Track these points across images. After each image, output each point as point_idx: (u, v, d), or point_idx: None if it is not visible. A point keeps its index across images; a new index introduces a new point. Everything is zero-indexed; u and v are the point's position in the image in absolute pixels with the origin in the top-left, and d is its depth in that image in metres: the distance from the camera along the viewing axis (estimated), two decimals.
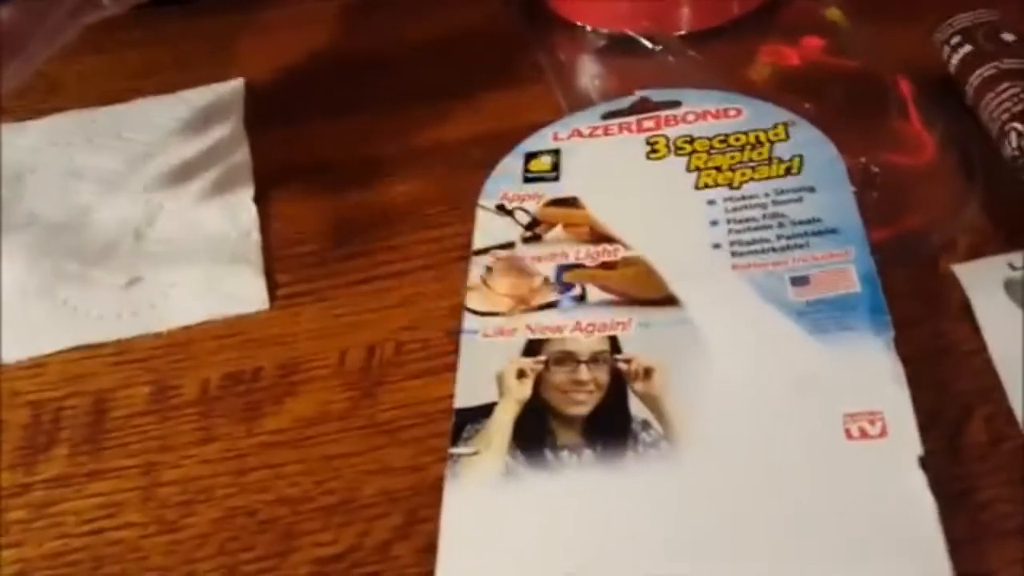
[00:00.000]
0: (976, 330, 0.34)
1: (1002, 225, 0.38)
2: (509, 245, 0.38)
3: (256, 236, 0.43)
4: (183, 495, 0.34)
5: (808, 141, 0.39)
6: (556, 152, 0.42)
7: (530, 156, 0.42)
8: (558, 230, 0.38)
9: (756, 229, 0.36)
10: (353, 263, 0.41)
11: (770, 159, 0.39)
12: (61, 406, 0.37)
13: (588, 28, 0.50)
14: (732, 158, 0.39)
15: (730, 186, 0.38)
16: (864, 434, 0.29)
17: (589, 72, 0.49)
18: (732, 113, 0.41)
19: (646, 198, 0.39)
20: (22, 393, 0.38)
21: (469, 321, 0.35)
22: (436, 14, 0.54)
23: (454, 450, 0.31)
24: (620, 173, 0.41)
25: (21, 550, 0.33)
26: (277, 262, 0.42)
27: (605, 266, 0.37)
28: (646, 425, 0.31)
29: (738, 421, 0.31)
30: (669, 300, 0.35)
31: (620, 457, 0.30)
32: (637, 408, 0.31)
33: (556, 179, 0.41)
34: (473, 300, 0.36)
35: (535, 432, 0.31)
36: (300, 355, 0.38)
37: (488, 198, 0.40)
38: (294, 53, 0.53)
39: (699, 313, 0.34)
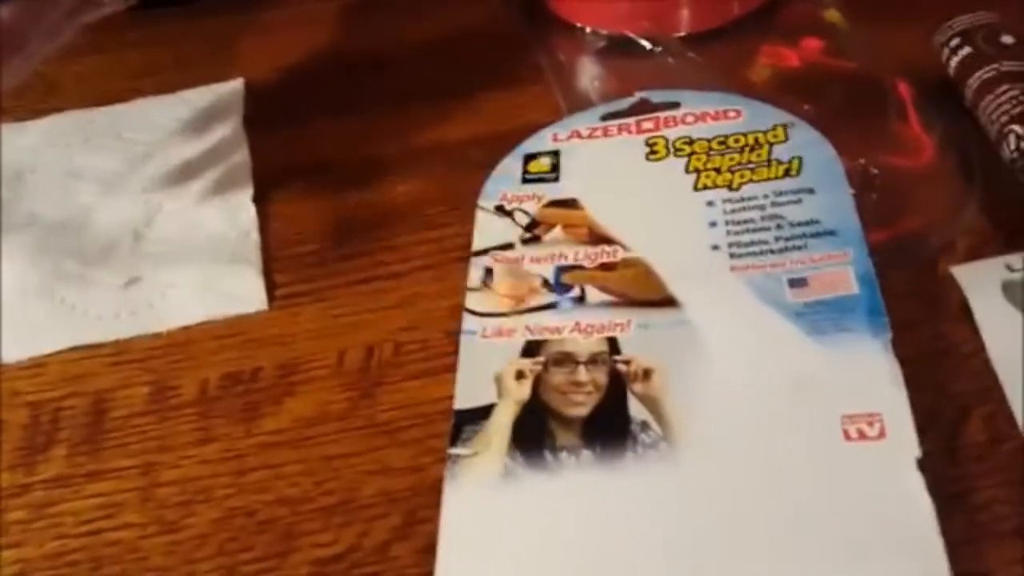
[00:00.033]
0: (974, 332, 0.34)
1: (1001, 227, 0.38)
2: (508, 246, 0.38)
3: (255, 236, 0.43)
4: (182, 495, 0.34)
5: (807, 143, 0.39)
6: (555, 153, 0.42)
7: (529, 157, 0.42)
8: (557, 231, 0.38)
9: (755, 231, 0.36)
10: (352, 263, 0.41)
11: (769, 161, 0.39)
12: (60, 406, 0.37)
13: (588, 29, 0.50)
14: (731, 159, 0.39)
15: (729, 187, 0.38)
16: (862, 435, 0.29)
17: (588, 73, 0.49)
18: (731, 114, 0.41)
19: (645, 199, 0.39)
20: (21, 393, 0.38)
21: (468, 322, 0.35)
22: (436, 14, 0.54)
23: (453, 451, 0.31)
24: (619, 174, 0.41)
25: (20, 550, 0.33)
26: (276, 262, 0.42)
27: (604, 267, 0.37)
28: (645, 426, 0.31)
29: (737, 422, 0.31)
30: (668, 301, 0.35)
31: (619, 458, 0.30)
32: (636, 409, 0.32)
33: (555, 180, 0.41)
34: (472, 301, 0.36)
35: (534, 433, 0.31)
36: (299, 355, 0.38)
37: (487, 199, 0.40)
38: (294, 53, 0.53)
39: (698, 314, 0.34)
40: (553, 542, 0.29)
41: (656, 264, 0.36)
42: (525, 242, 0.38)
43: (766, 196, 0.37)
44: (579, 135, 0.42)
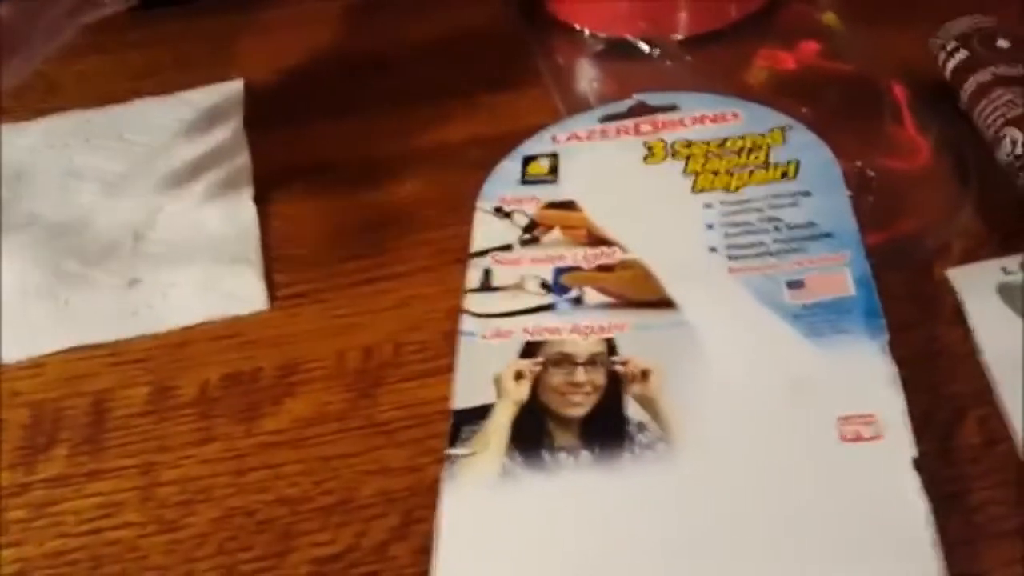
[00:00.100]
0: (970, 333, 0.34)
1: (996, 229, 0.38)
2: (507, 247, 0.38)
3: (256, 237, 0.43)
4: (182, 495, 0.34)
5: (804, 145, 0.39)
6: (554, 155, 0.42)
7: (528, 159, 0.42)
8: (556, 233, 0.39)
9: (752, 233, 0.36)
10: (352, 264, 0.41)
11: (767, 163, 0.39)
12: (60, 406, 0.37)
13: (586, 32, 0.50)
14: (729, 162, 0.39)
15: (727, 190, 0.38)
16: (859, 436, 0.29)
17: (587, 75, 0.50)
18: (729, 117, 0.41)
19: (644, 201, 0.39)
20: (22, 393, 0.38)
21: (467, 323, 0.36)
22: (437, 15, 0.54)
23: (452, 451, 0.32)
24: (618, 176, 0.41)
25: (21, 549, 0.33)
26: (277, 262, 0.42)
27: (602, 269, 0.37)
28: (642, 427, 0.31)
29: (734, 423, 0.31)
30: (666, 303, 0.35)
31: (617, 459, 0.30)
32: (634, 410, 0.32)
33: (554, 182, 0.41)
34: (471, 302, 0.36)
35: (532, 433, 0.32)
36: (299, 356, 0.38)
37: (486, 200, 0.40)
38: (294, 53, 0.53)
39: (696, 316, 0.34)
40: (551, 542, 0.29)
41: (654, 266, 0.36)
42: (524, 243, 0.38)
43: (764, 198, 0.37)
44: (578, 137, 0.42)
